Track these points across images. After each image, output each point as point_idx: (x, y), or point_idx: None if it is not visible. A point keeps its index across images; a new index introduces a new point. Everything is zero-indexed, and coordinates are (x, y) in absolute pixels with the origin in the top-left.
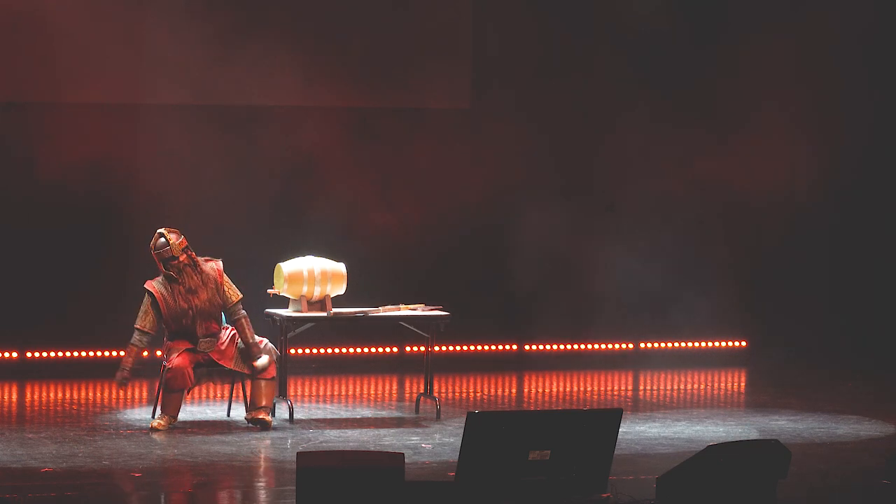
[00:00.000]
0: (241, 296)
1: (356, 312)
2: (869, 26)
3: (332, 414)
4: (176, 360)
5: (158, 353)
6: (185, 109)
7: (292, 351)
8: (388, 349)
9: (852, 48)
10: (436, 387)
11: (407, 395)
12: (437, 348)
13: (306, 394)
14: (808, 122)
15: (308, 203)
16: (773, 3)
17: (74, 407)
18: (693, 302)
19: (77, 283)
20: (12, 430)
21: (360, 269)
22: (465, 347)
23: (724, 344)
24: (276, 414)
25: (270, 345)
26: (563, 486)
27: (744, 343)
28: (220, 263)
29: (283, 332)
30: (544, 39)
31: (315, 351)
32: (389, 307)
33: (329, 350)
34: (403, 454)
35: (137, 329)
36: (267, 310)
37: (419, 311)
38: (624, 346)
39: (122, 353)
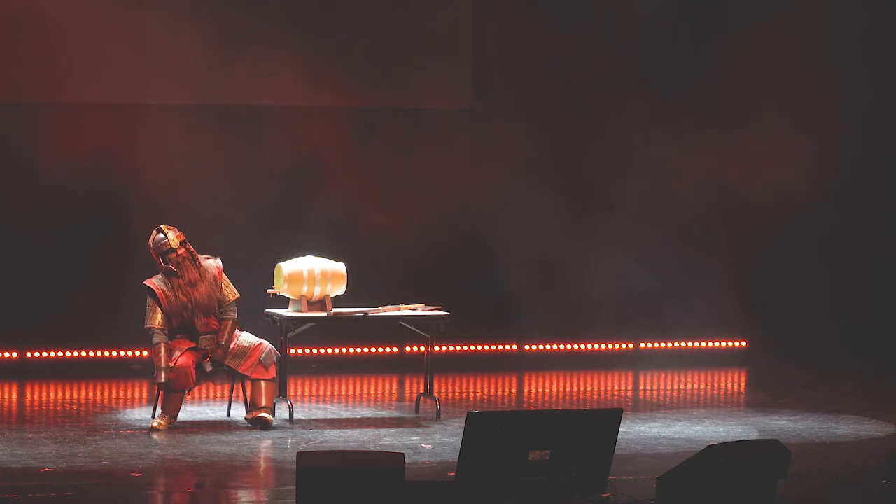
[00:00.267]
0: (237, 295)
1: (356, 312)
2: (869, 26)
3: (332, 414)
4: (179, 359)
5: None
6: (185, 109)
7: (292, 351)
8: (388, 349)
9: (852, 48)
10: (436, 387)
11: (407, 395)
12: (437, 348)
13: (306, 394)
14: (808, 121)
15: (308, 203)
16: (773, 3)
17: (74, 407)
18: (693, 302)
19: (77, 284)
20: (12, 430)
21: (360, 269)
22: (465, 347)
23: (724, 344)
24: (276, 414)
25: (271, 346)
26: (563, 486)
27: (744, 343)
28: (220, 262)
29: (283, 332)
30: (544, 39)
31: (315, 351)
32: (389, 307)
33: (329, 350)
34: (403, 454)
35: (153, 328)
36: (267, 310)
37: (419, 311)
38: (623, 346)
39: (121, 354)
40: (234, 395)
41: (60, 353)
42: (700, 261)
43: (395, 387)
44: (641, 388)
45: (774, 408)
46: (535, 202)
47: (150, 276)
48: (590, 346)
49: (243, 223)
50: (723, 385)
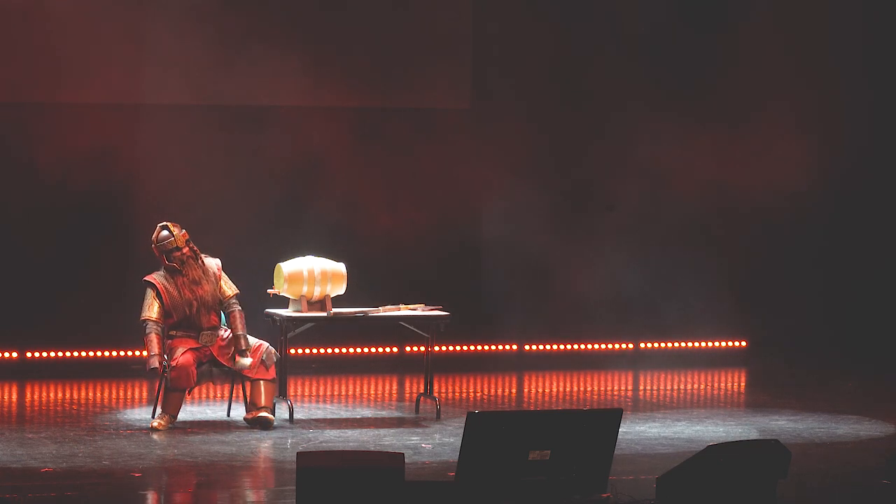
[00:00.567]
0: (237, 291)
1: (356, 312)
2: (869, 25)
3: (332, 414)
4: (180, 358)
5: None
6: (185, 109)
7: (292, 351)
8: (388, 349)
9: (852, 48)
10: (436, 387)
11: (407, 395)
12: (437, 348)
13: (306, 394)
14: (808, 122)
15: (308, 202)
16: (773, 3)
17: (74, 407)
18: (693, 302)
19: (77, 284)
20: (12, 430)
21: (360, 269)
22: (465, 347)
23: (724, 344)
24: (276, 414)
25: (271, 347)
26: (563, 486)
27: (744, 343)
28: (219, 262)
29: (283, 332)
30: (544, 39)
31: (315, 351)
32: (389, 307)
33: (329, 350)
34: (403, 454)
35: (147, 320)
36: (267, 310)
37: (419, 311)
38: (623, 346)
39: (121, 354)
40: (234, 395)
41: (60, 353)
42: (700, 261)
43: (395, 387)
44: (641, 388)
45: (774, 408)
46: (534, 202)
47: (151, 273)
48: (590, 346)
49: (243, 223)
50: (723, 385)
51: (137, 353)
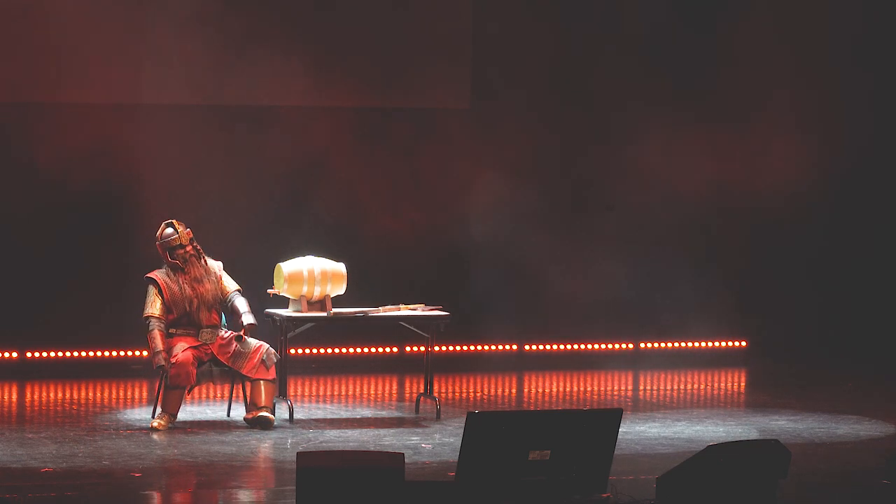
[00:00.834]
0: (239, 287)
1: (356, 312)
2: (869, 26)
3: (332, 414)
4: (180, 356)
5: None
6: (185, 109)
7: (292, 351)
8: (388, 349)
9: (852, 48)
10: (436, 387)
11: (407, 395)
12: (437, 348)
13: (306, 394)
14: (808, 123)
15: (308, 202)
16: (773, 3)
17: (74, 407)
18: (693, 302)
19: (77, 283)
20: (12, 430)
21: (360, 269)
22: (465, 347)
23: (724, 344)
24: (276, 414)
25: (271, 348)
26: (563, 486)
27: (744, 343)
28: (221, 265)
29: (283, 332)
30: (544, 39)
31: (315, 351)
32: (389, 307)
33: (329, 350)
34: (403, 454)
35: (150, 317)
36: (267, 310)
37: (419, 311)
38: (623, 346)
39: (121, 353)
40: (234, 395)
41: (60, 353)
42: (700, 261)
43: (395, 387)
44: (641, 388)
45: (774, 408)
46: (534, 202)
47: (153, 271)
48: (589, 346)
49: (244, 223)
50: (723, 385)
51: (137, 352)
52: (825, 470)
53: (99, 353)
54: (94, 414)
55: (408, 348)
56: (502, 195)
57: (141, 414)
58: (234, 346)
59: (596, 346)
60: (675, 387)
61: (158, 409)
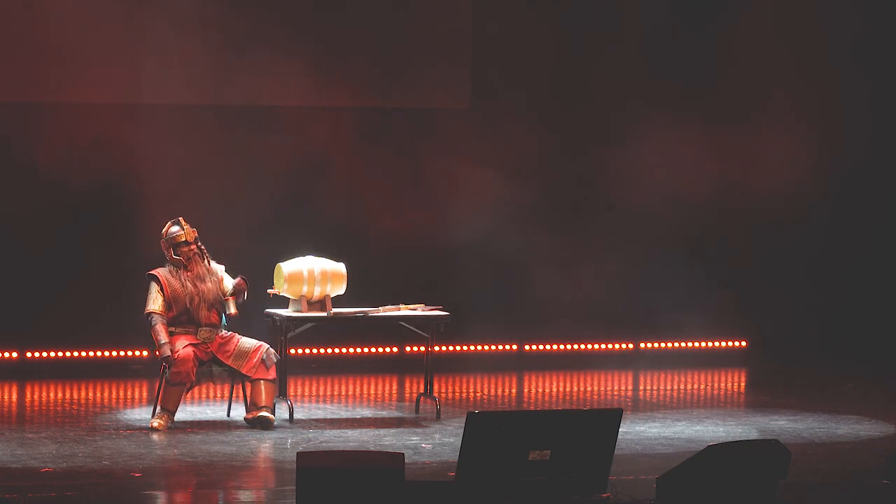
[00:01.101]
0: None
1: (356, 312)
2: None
3: (332, 414)
4: (181, 352)
5: (158, 353)
6: (187, 109)
7: (292, 351)
8: (388, 349)
9: (852, 48)
10: (436, 387)
11: (407, 395)
12: (437, 348)
13: (306, 394)
14: (809, 121)
15: (308, 203)
16: (774, 4)
17: (74, 407)
18: (693, 302)
19: (77, 283)
20: (12, 430)
21: (360, 269)
22: (465, 347)
23: (724, 344)
24: (276, 414)
25: (270, 348)
26: (563, 486)
27: (744, 343)
28: (224, 268)
29: (283, 332)
30: (544, 39)
31: (315, 351)
32: (389, 307)
33: (329, 350)
34: (403, 454)
35: (152, 313)
36: (267, 310)
37: (419, 311)
38: (623, 346)
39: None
40: (234, 395)
41: (60, 353)
42: (700, 260)
43: (395, 387)
44: (641, 388)
45: (774, 408)
46: (534, 202)
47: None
48: (589, 346)
49: (244, 223)
50: (723, 385)
51: (137, 352)
52: (825, 470)
53: (99, 353)
54: (94, 414)
55: (408, 348)
56: (502, 195)
57: (141, 414)
58: (233, 345)
59: (596, 346)
60: (675, 387)
61: (158, 408)
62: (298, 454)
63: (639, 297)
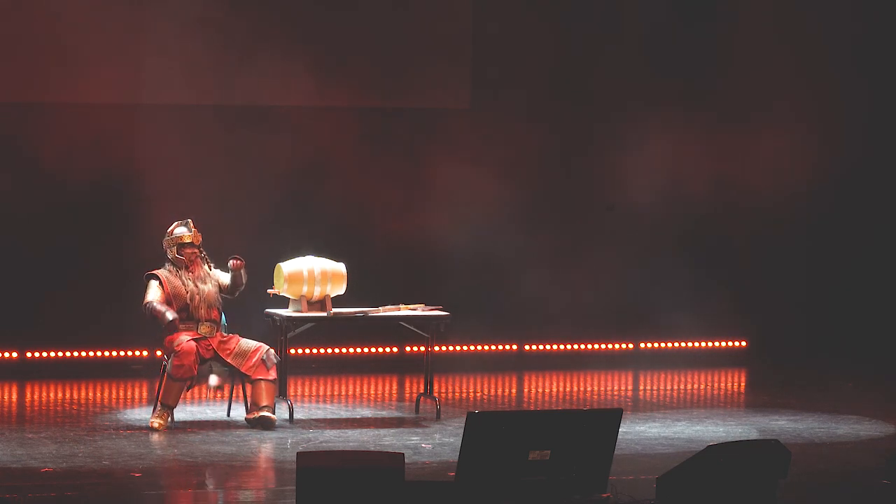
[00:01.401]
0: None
1: (356, 312)
2: (869, 26)
3: (332, 414)
4: (184, 345)
5: (158, 353)
6: (188, 109)
7: (292, 351)
8: (388, 349)
9: (852, 48)
10: (436, 387)
11: (407, 395)
12: (437, 348)
13: (306, 394)
14: (809, 121)
15: (308, 202)
16: (774, 4)
17: (74, 407)
18: (693, 302)
19: (77, 283)
20: (12, 430)
21: (360, 269)
22: (465, 347)
23: (724, 344)
24: (276, 414)
25: (270, 349)
26: (563, 486)
27: (744, 343)
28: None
29: (283, 332)
30: (544, 39)
31: (315, 351)
32: (389, 307)
33: (329, 350)
34: (403, 454)
35: (149, 301)
36: (267, 310)
37: (419, 311)
38: (623, 346)
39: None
40: (234, 395)
41: (60, 353)
42: (700, 260)
43: (395, 387)
44: (641, 388)
45: (774, 408)
46: (535, 201)
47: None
48: (590, 346)
49: (244, 223)
50: (723, 385)
51: (137, 352)
52: (825, 470)
53: (99, 353)
54: (94, 414)
55: (408, 348)
56: (502, 195)
57: (141, 414)
58: (234, 343)
59: (596, 346)
60: (675, 387)
61: (158, 406)
62: (298, 454)
63: (639, 297)
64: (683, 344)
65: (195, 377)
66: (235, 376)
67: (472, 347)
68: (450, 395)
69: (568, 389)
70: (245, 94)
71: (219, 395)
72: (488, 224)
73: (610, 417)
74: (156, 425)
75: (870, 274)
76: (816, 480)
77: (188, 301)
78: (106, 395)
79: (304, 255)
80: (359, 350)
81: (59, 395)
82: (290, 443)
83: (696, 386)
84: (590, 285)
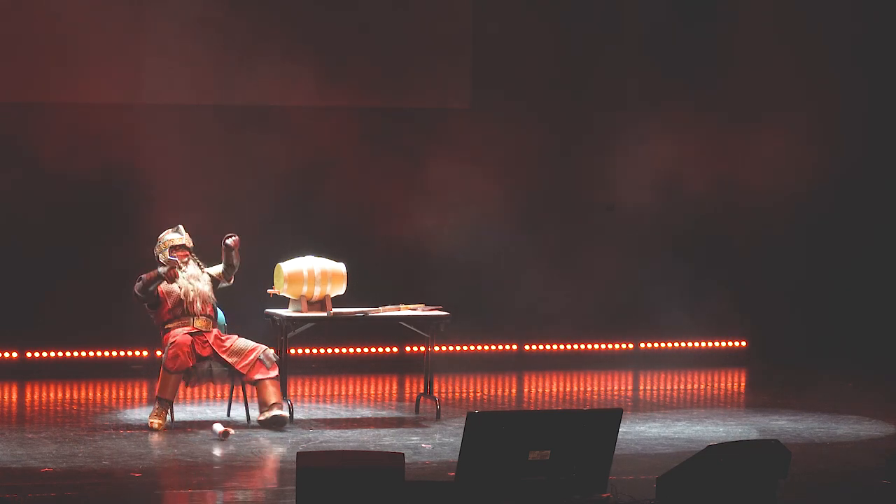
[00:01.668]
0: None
1: (356, 312)
2: (869, 26)
3: (332, 414)
4: (179, 337)
5: (158, 353)
6: (188, 110)
7: (292, 351)
8: (388, 349)
9: (852, 48)
10: (436, 387)
11: (407, 395)
12: (436, 348)
13: (306, 394)
14: (809, 124)
15: (308, 203)
16: (774, 4)
17: (74, 407)
18: (693, 302)
19: (77, 283)
20: (12, 430)
21: (360, 269)
22: (465, 347)
23: (724, 344)
24: None
25: (268, 349)
26: (563, 486)
27: (744, 343)
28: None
29: (283, 332)
30: (544, 39)
31: (315, 351)
32: (389, 307)
33: (329, 350)
34: (403, 454)
35: (138, 279)
36: (267, 310)
37: (419, 311)
38: (623, 346)
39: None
40: (234, 395)
41: (60, 353)
42: (700, 260)
43: (395, 387)
44: (641, 388)
45: (774, 408)
46: (535, 201)
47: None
48: (590, 346)
49: (245, 223)
50: (723, 385)
51: (137, 352)
52: (825, 470)
53: (99, 353)
54: (94, 414)
55: (408, 348)
56: (502, 195)
57: (141, 414)
58: (232, 342)
59: (596, 346)
60: (675, 387)
61: (156, 403)
62: (298, 454)
63: (638, 297)
64: (683, 344)
65: (191, 370)
66: (235, 376)
67: (471, 347)
68: (450, 395)
69: (568, 389)
70: (245, 94)
71: (219, 391)
72: (488, 224)
73: (610, 417)
74: (155, 425)
75: (869, 274)
76: (816, 480)
77: (182, 297)
78: (106, 395)
79: (304, 256)
80: (359, 350)
81: (59, 395)
82: (290, 443)
83: (696, 386)
84: (590, 285)
